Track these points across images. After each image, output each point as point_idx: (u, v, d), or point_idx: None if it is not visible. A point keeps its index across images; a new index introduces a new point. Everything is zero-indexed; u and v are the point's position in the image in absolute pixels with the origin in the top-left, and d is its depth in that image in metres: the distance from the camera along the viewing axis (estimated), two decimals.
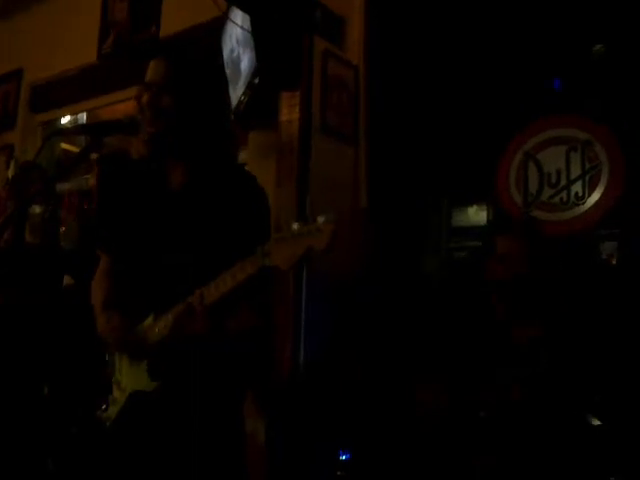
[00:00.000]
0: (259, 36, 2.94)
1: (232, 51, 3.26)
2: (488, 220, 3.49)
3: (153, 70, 1.73)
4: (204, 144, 1.75)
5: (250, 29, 2.93)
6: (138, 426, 1.73)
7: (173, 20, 4.02)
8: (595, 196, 2.96)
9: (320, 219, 1.45)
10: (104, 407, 1.81)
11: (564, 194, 3.03)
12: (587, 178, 2.99)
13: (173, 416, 1.70)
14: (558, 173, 3.06)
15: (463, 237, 3.85)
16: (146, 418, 1.72)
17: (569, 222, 3.01)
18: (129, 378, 1.76)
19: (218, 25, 3.37)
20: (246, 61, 3.07)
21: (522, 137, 3.15)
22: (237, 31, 3.12)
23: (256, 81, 2.96)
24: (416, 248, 3.63)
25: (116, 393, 1.79)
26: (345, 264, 3.08)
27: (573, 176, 3.02)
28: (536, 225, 2.79)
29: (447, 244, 3.86)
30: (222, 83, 1.94)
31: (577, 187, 3.01)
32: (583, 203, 2.98)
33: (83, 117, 4.89)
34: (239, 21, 3.05)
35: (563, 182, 3.05)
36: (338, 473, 2.84)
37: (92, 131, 1.64)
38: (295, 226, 1.47)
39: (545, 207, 3.07)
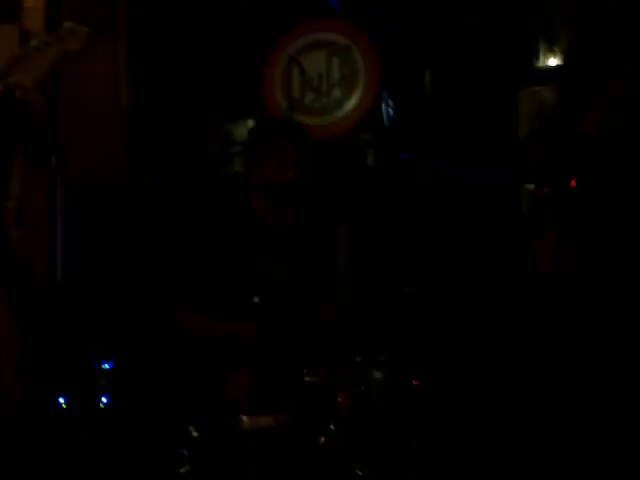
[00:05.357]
0: None
1: None
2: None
3: None
4: None
5: None
6: None
7: None
8: (352, 101, 3.06)
9: (68, 24, 1.44)
10: None
11: (325, 98, 3.10)
12: (345, 83, 3.07)
13: None
14: (320, 77, 3.10)
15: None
16: None
17: (330, 127, 3.09)
18: None
19: None
20: None
21: (287, 40, 3.14)
22: None
23: None
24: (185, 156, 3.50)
25: None
26: (103, 166, 2.90)
27: (333, 81, 3.08)
28: (300, 128, 2.69)
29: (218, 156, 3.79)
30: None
31: (337, 92, 3.09)
32: (342, 108, 3.07)
33: None
34: None
35: (324, 87, 3.10)
36: (101, 382, 2.76)
37: None
38: (36, 40, 1.39)
39: (308, 111, 3.12)
